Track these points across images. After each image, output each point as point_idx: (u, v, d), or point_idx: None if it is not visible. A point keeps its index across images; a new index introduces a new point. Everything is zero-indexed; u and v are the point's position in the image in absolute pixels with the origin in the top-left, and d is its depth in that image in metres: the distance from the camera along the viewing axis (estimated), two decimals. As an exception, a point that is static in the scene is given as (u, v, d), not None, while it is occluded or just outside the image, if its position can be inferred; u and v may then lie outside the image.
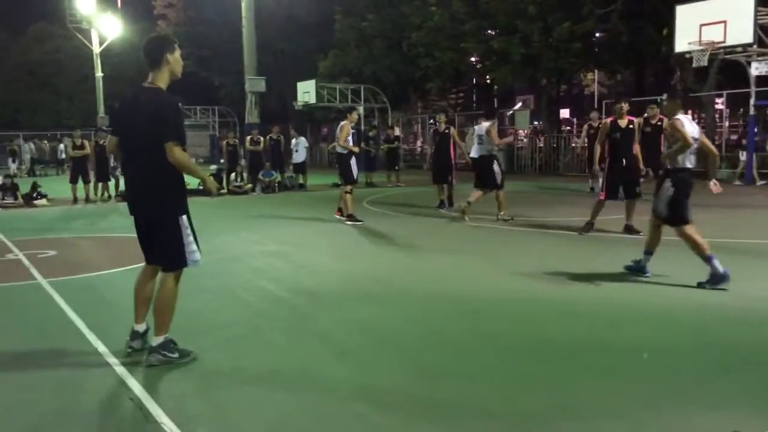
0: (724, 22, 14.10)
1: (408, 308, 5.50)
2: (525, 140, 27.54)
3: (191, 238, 4.09)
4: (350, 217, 10.91)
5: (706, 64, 15.34)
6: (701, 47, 14.45)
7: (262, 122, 23.32)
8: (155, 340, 4.07)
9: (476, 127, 11.36)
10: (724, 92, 21.47)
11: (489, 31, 25.56)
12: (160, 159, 3.86)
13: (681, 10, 15.26)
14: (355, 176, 11.19)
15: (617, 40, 22.16)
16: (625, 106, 8.86)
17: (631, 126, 8.80)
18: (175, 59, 4.06)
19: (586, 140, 15.28)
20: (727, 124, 25.72)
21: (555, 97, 34.10)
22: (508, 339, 4.60)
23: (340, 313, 5.38)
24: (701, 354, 4.20)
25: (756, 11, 13.90)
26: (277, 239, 9.41)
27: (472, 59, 29.81)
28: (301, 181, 19.03)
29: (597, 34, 24.06)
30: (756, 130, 17.82)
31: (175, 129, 3.89)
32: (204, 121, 42.38)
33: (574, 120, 37.18)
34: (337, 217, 11.20)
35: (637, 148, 8.91)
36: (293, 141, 19.40)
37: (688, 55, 15.10)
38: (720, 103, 24.05)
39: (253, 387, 3.77)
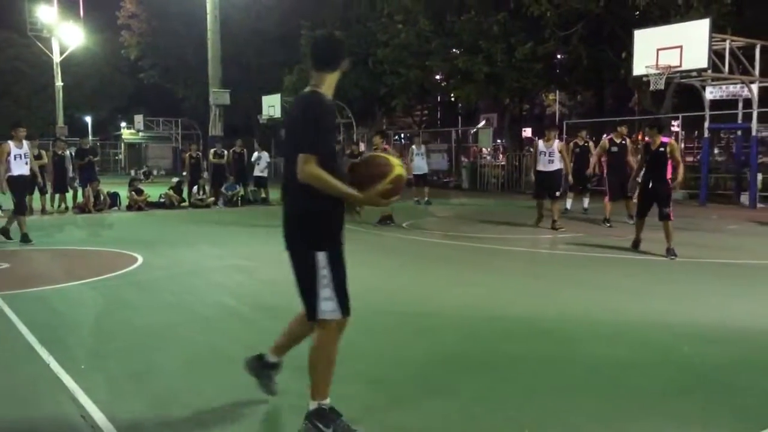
0: (680, 47, 14.52)
1: (369, 325, 5.48)
2: (488, 158, 27.88)
3: (326, 281, 3.27)
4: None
5: (662, 87, 15.76)
6: (658, 71, 14.84)
7: (226, 135, 23.15)
8: (310, 404, 3.31)
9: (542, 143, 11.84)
10: (680, 115, 22.08)
11: (454, 50, 25.91)
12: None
13: (639, 35, 15.68)
14: None
15: (578, 61, 22.66)
16: (652, 131, 8.90)
17: (662, 149, 8.70)
18: (341, 71, 3.36)
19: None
20: (683, 146, 26.46)
21: (517, 116, 34.64)
22: (468, 356, 4.61)
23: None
24: (657, 371, 4.26)
25: (710, 38, 14.34)
26: (239, 254, 9.31)
27: (437, 77, 30.15)
28: (263, 195, 18.89)
29: (559, 56, 24.60)
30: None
31: (314, 138, 3.06)
32: (167, 133, 41.86)
33: (537, 139, 37.77)
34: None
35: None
36: (255, 155, 19.27)
37: (645, 78, 15.49)
38: (676, 126, 24.73)
39: (210, 406, 3.70)
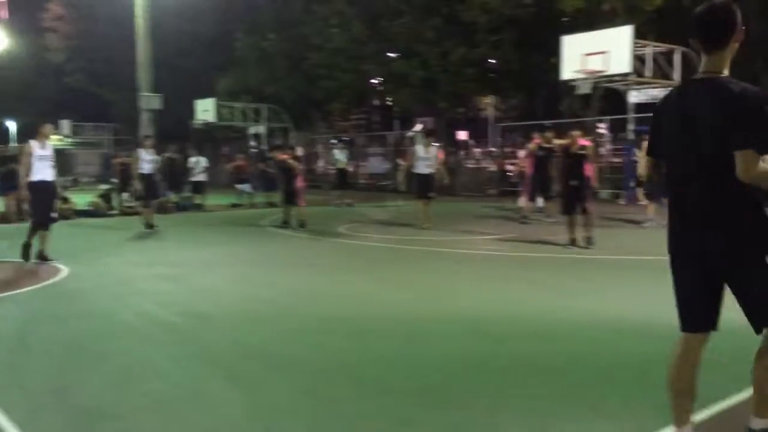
0: (605, 52, 15.09)
1: (304, 330, 5.46)
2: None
3: None
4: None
5: (588, 91, 16.36)
6: (585, 76, 15.37)
7: (158, 140, 22.55)
8: (756, 423, 3.01)
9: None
10: (607, 118, 22.88)
11: (389, 54, 26.13)
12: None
13: (566, 40, 16.21)
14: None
15: (509, 66, 23.22)
16: (577, 133, 9.65)
17: (581, 152, 9.50)
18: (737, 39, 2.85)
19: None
20: (610, 147, 27.43)
21: (452, 120, 35.17)
22: (404, 358, 4.64)
23: (234, 336, 5.26)
24: (584, 367, 4.39)
25: (633, 44, 14.96)
26: (169, 262, 9.11)
27: (373, 81, 30.33)
28: (198, 201, 18.53)
29: (491, 60, 25.13)
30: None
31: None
32: (96, 138, 40.50)
33: (472, 142, 38.39)
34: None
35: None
36: (192, 160, 18.89)
37: (572, 83, 16.01)
38: (603, 128, 25.60)
39: (138, 420, 3.60)
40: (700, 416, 3.40)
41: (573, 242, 9.52)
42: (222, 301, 6.60)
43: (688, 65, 17.23)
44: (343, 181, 19.39)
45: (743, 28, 2.82)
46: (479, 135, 39.26)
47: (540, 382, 4.06)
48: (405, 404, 3.74)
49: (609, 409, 3.62)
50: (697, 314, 2.94)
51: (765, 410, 2.98)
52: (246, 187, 19.62)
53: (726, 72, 2.82)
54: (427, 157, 12.52)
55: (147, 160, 13.25)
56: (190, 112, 28.54)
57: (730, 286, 2.86)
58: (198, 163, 18.63)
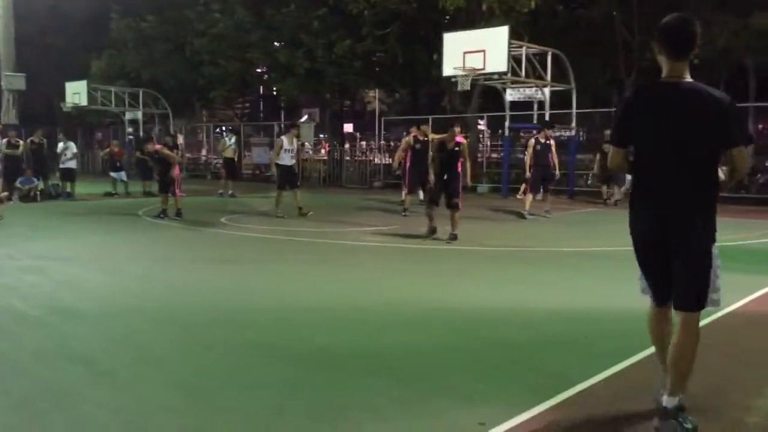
0: (484, 51, 15.67)
1: (176, 323, 5.33)
2: (310, 153, 28.09)
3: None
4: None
5: (468, 88, 16.92)
6: (464, 73, 15.90)
7: (22, 124, 21.04)
8: (669, 401, 3.22)
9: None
10: (485, 115, 23.84)
11: (275, 43, 25.75)
12: (715, 172, 3.21)
13: (448, 37, 16.68)
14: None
15: (394, 60, 23.57)
16: (457, 130, 9.74)
17: (457, 148, 9.62)
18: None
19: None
20: (489, 143, 28.69)
21: (339, 112, 35.28)
22: (277, 348, 4.63)
23: (103, 331, 5.04)
24: (456, 354, 4.57)
25: (509, 44, 15.64)
26: (35, 253, 8.55)
27: (258, 70, 29.77)
28: (68, 189, 17.46)
29: (378, 54, 25.39)
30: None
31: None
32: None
33: (358, 135, 38.75)
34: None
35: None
36: (60, 145, 17.74)
37: (453, 79, 16.52)
38: (482, 124, 26.66)
39: (-10, 418, 3.39)
40: (563, 396, 3.68)
41: (433, 231, 9.75)
42: (91, 294, 6.30)
43: (559, 66, 18.32)
44: (231, 170, 18.96)
45: None
46: (365, 128, 39.71)
47: (413, 371, 4.21)
48: (277, 397, 3.76)
49: (481, 394, 3.80)
50: (660, 287, 3.36)
51: (678, 389, 3.21)
52: (121, 175, 18.71)
53: (688, 77, 3.22)
54: (291, 149, 13.06)
55: None
56: (61, 94, 26.76)
57: (675, 267, 3.23)
58: (67, 149, 17.54)
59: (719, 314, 3.95)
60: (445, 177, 9.59)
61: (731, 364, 3.61)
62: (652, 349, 4.36)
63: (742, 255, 7.77)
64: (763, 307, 5.67)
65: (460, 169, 9.68)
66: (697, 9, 20.08)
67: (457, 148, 9.60)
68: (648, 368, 4.14)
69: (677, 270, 3.22)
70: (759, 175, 16.01)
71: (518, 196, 15.76)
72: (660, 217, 3.23)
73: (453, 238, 9.53)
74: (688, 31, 3.22)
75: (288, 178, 13.10)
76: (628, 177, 12.54)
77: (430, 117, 22.18)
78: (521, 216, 12.96)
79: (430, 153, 10.71)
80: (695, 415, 3.22)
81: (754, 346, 4.53)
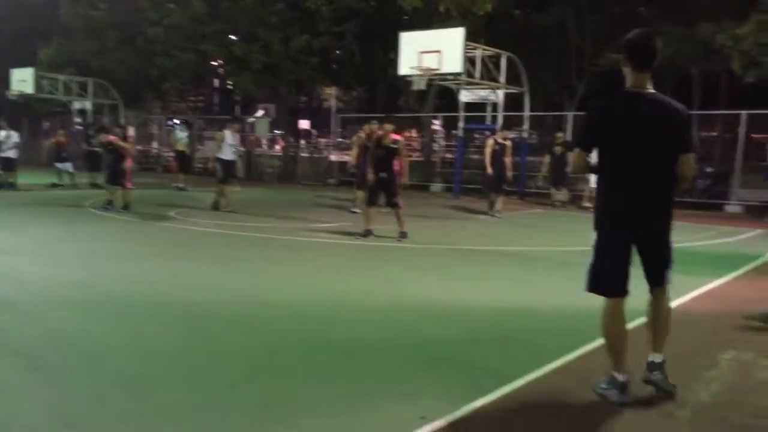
0: (439, 51, 15.80)
1: (118, 316, 5.22)
2: (265, 148, 27.86)
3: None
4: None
5: (423, 88, 17.03)
6: (420, 72, 16.00)
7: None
8: (657, 357, 3.75)
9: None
10: (440, 115, 24.02)
11: (231, 36, 25.39)
12: (673, 174, 3.60)
13: (404, 37, 16.76)
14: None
15: (351, 58, 23.54)
16: (390, 127, 9.72)
17: (393, 146, 9.61)
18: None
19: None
20: (444, 143, 28.95)
21: (295, 108, 35.04)
22: (221, 344, 4.60)
23: (42, 325, 4.90)
24: (399, 349, 4.60)
25: (464, 45, 15.81)
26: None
27: (213, 62, 29.33)
28: (10, 180, 16.89)
29: (338, 51, 25.30)
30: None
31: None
32: None
33: (314, 132, 38.55)
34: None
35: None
36: (2, 134, 17.13)
37: (409, 79, 16.60)
38: (437, 124, 26.88)
39: None
40: (502, 391, 3.75)
41: (367, 234, 9.66)
42: (31, 287, 6.12)
43: (513, 70, 18.60)
44: (183, 163, 18.66)
45: None
46: (322, 125, 39.54)
47: (356, 366, 4.23)
48: (217, 394, 3.73)
49: (422, 389, 3.84)
50: (624, 282, 3.61)
51: (661, 346, 3.74)
52: (67, 166, 18.19)
53: (651, 87, 3.58)
54: (234, 144, 13.22)
55: None
56: (6, 81, 25.84)
57: (643, 255, 3.67)
58: (9, 137, 16.97)
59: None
60: (383, 176, 9.60)
61: (668, 360, 3.75)
62: (590, 346, 4.52)
63: (683, 257, 7.99)
64: (701, 306, 5.89)
65: (397, 167, 9.67)
66: (647, 19, 20.71)
67: (393, 146, 9.61)
68: (586, 364, 4.26)
69: (648, 257, 3.66)
70: (700, 181, 16.58)
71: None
72: (630, 214, 3.57)
73: (403, 235, 9.55)
74: (651, 46, 3.57)
75: (230, 172, 13.18)
76: (592, 179, 13.02)
77: (385, 115, 22.27)
78: (492, 215, 13.31)
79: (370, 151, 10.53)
80: (626, 410, 3.33)
81: (689, 343, 4.71)
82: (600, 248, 3.64)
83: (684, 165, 3.57)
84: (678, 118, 3.57)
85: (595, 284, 3.66)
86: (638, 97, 3.55)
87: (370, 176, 9.70)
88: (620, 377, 3.62)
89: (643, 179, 3.54)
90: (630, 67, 3.57)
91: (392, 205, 9.69)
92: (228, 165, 13.12)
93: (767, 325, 5.32)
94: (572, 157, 3.81)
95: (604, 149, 3.59)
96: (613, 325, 3.64)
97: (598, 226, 3.67)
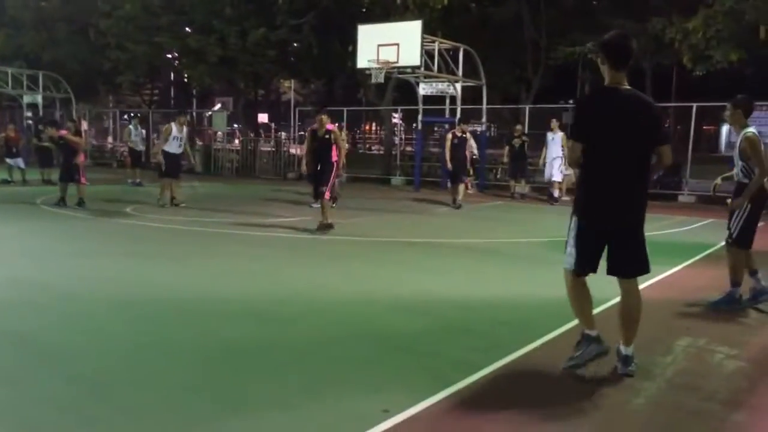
0: (398, 44, 15.79)
1: (74, 316, 5.10)
2: (223, 142, 27.46)
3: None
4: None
5: (382, 81, 17.00)
6: (378, 65, 15.97)
7: None
8: (627, 350, 4.00)
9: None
10: (399, 108, 24.03)
11: (186, 29, 24.93)
12: (648, 166, 3.89)
13: (362, 30, 16.69)
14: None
15: (309, 51, 23.36)
16: (325, 118, 9.68)
17: (327, 136, 9.55)
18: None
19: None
20: (403, 136, 28.99)
21: (253, 102, 34.63)
22: (179, 342, 4.53)
23: (-8, 326, 4.77)
24: (361, 343, 4.61)
25: (422, 38, 15.83)
26: None
27: (168, 55, 28.75)
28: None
29: (295, 44, 25.08)
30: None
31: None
32: None
33: (273, 125, 38.20)
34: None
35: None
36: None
37: (367, 71, 16.55)
38: (396, 118, 26.88)
39: None
40: (464, 382, 3.78)
41: (325, 228, 9.53)
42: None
43: (470, 63, 18.72)
44: (137, 158, 18.30)
45: None
46: (281, 118, 39.20)
47: (319, 360, 4.22)
48: (179, 391, 3.68)
49: (385, 382, 3.86)
50: (592, 263, 3.88)
51: (631, 340, 3.99)
52: (18, 162, 17.62)
53: (626, 84, 3.83)
54: (180, 137, 12.83)
55: None
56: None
57: (614, 246, 3.86)
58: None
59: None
60: (319, 167, 9.58)
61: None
62: (550, 335, 4.61)
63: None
64: (657, 294, 6.04)
65: (334, 158, 9.64)
66: (600, 13, 21.09)
67: (327, 136, 9.57)
68: (547, 354, 4.33)
69: (620, 246, 3.85)
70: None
71: (469, 191, 15.97)
72: (611, 203, 3.80)
73: (324, 227, 9.40)
74: (627, 46, 3.84)
75: (173, 167, 12.81)
76: (568, 170, 13.29)
77: (346, 108, 22.24)
78: (456, 206, 13.42)
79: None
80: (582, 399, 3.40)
81: (645, 331, 4.83)
82: (577, 234, 3.88)
83: (663, 155, 3.89)
84: (651, 111, 3.86)
85: (571, 262, 3.91)
86: (616, 92, 3.81)
87: (304, 168, 9.80)
88: (592, 332, 3.95)
89: (620, 171, 3.78)
90: (608, 66, 3.82)
91: (317, 194, 9.64)
92: (172, 158, 12.76)
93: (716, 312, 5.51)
94: (567, 150, 4.05)
95: (589, 141, 3.80)
96: (574, 291, 3.98)
97: (577, 213, 3.91)
